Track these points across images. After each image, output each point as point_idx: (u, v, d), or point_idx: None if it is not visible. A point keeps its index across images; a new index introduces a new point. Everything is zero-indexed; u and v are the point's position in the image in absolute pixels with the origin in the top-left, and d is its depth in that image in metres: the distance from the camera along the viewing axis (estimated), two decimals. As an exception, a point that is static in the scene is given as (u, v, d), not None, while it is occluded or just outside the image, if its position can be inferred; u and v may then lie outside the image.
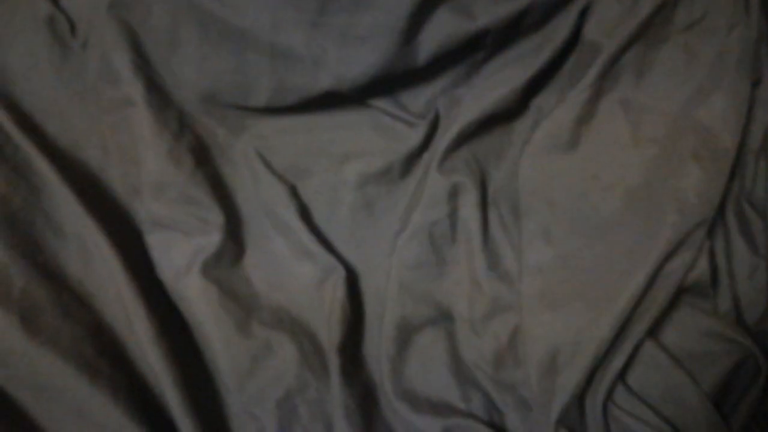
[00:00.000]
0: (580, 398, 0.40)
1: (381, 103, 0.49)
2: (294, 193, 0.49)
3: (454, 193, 0.46)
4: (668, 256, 0.41)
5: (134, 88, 0.46)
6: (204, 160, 0.48)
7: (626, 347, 0.40)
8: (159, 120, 0.46)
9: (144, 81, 0.46)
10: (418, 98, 0.49)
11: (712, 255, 0.44)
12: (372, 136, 0.49)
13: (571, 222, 0.43)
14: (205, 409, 0.42)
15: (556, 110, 0.45)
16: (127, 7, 0.47)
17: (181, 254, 0.45)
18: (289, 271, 0.47)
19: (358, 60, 0.45)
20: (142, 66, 0.47)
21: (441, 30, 0.46)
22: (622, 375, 0.40)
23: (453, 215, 0.46)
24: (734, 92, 0.44)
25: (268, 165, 0.49)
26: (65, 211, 0.48)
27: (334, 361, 0.43)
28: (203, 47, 0.46)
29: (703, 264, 0.42)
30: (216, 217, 0.45)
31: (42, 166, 0.47)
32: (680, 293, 0.42)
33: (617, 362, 0.39)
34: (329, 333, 0.44)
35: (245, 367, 0.42)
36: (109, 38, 0.47)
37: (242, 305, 0.44)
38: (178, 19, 0.46)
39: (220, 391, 0.43)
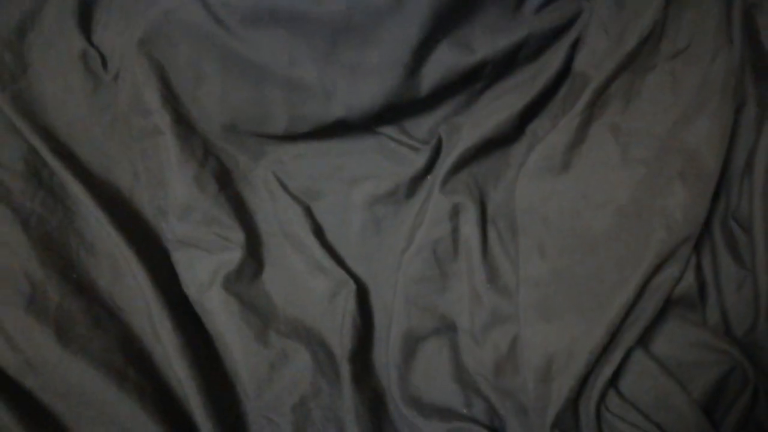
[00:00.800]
0: (574, 404, 0.42)
1: (387, 130, 0.53)
2: (308, 213, 0.52)
3: (455, 213, 0.49)
4: (656, 270, 0.43)
5: (163, 119, 0.49)
6: (226, 184, 0.51)
7: (617, 356, 0.42)
8: (185, 148, 0.49)
9: (171, 113, 0.50)
10: (421, 125, 0.53)
11: (699, 269, 0.46)
12: (379, 160, 0.53)
13: (565, 238, 0.46)
14: (226, 413, 0.45)
15: (550, 135, 0.48)
16: (155, 44, 0.51)
17: (204, 270, 0.48)
18: (304, 285, 0.50)
19: (366, 92, 0.49)
20: (169, 99, 0.51)
21: (442, 63, 0.49)
22: (614, 382, 0.43)
23: (455, 233, 0.49)
24: (718, 116, 0.47)
25: (284, 187, 0.53)
26: (97, 232, 0.51)
27: (345, 369, 0.46)
28: (225, 82, 0.50)
29: (690, 278, 0.45)
30: (237, 235, 0.49)
31: (76, 189, 0.50)
32: (669, 306, 0.45)
33: (608, 370, 0.42)
34: (341, 342, 0.47)
35: (263, 375, 0.45)
36: (140, 73, 0.51)
37: (261, 317, 0.47)
38: (202, 55, 0.50)
39: (239, 397, 0.46)
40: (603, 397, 0.42)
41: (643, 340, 0.44)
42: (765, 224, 0.45)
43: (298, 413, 0.45)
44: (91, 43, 0.55)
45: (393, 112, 0.51)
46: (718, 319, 0.46)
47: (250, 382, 0.45)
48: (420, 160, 0.51)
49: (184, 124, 0.51)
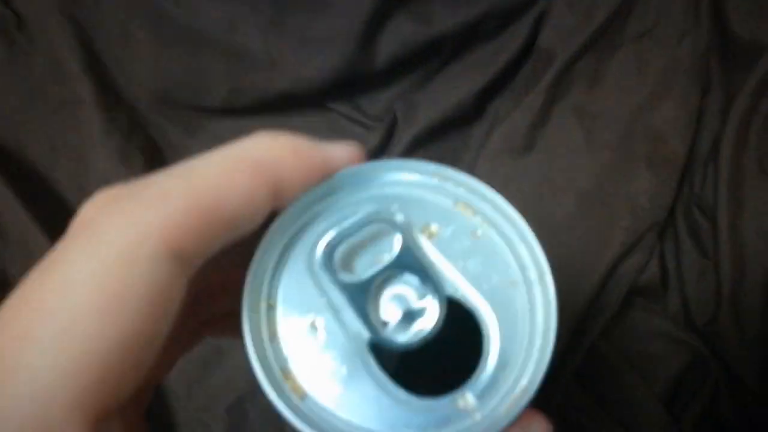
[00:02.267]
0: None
1: (338, 106, 0.49)
2: (250, 195, 0.48)
3: (411, 196, 0.46)
4: (621, 258, 0.41)
5: (83, 87, 0.45)
6: (155, 161, 0.46)
7: (581, 347, 0.40)
8: (109, 119, 0.45)
9: (94, 79, 0.45)
10: (375, 102, 0.49)
11: (662, 258, 0.45)
12: (330, 138, 0.49)
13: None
14: (154, 417, 0.40)
15: (512, 115, 0.45)
16: (77, 3, 0.46)
17: (129, 257, 0.43)
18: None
19: (315, 63, 0.45)
20: (92, 64, 0.46)
21: (398, 35, 0.46)
22: (576, 375, 0.40)
23: (410, 218, 0.46)
24: (684, 100, 0.46)
25: (223, 167, 0.48)
26: (9, 215, 0.46)
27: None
28: (157, 46, 0.46)
29: (654, 266, 0.43)
30: (167, 218, 0.44)
31: (-14, 166, 0.46)
32: (632, 296, 0.43)
33: (573, 362, 0.40)
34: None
35: (194, 374, 0.41)
36: (58, 35, 0.46)
37: (192, 309, 0.43)
38: (131, 17, 0.45)
39: (168, 399, 0.42)
40: (566, 390, 0.40)
41: (606, 331, 0.41)
42: (729, 213, 0.44)
43: (234, 415, 0.41)
44: (4, 2, 0.49)
45: (344, 87, 0.48)
46: (679, 308, 0.45)
47: (180, 382, 0.41)
48: (373, 139, 0.48)
49: (108, 92, 0.46)
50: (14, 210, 0.45)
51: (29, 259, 0.45)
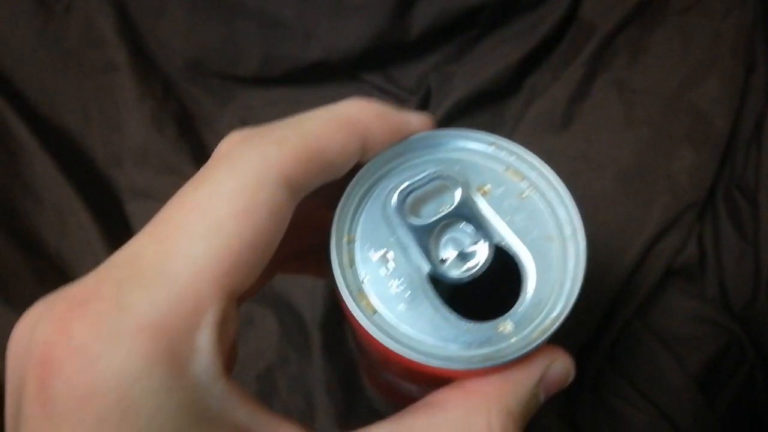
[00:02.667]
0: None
1: (371, 77, 0.48)
2: (280, 166, 0.48)
3: (443, 170, 0.45)
4: (658, 237, 0.40)
5: (118, 53, 0.45)
6: (188, 129, 0.46)
7: (615, 326, 0.39)
8: (143, 85, 0.45)
9: (129, 45, 0.45)
10: (409, 73, 0.48)
11: (700, 240, 0.44)
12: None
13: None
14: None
15: (550, 89, 0.44)
16: (113, -30, 0.46)
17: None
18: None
19: (350, 31, 0.45)
20: (126, 30, 0.45)
21: (434, 5, 0.45)
22: (609, 355, 0.40)
23: (442, 193, 0.45)
24: (728, 76, 0.44)
25: (254, 137, 0.48)
26: (44, 179, 0.46)
27: (316, 337, 0.42)
28: (191, 13, 0.45)
29: (692, 247, 0.42)
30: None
31: (21, 132, 0.46)
32: (668, 276, 0.42)
33: (606, 341, 0.39)
34: (312, 309, 0.43)
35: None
36: (94, 1, 0.45)
37: (224, 277, 0.43)
38: (166, -18, 0.45)
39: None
40: (599, 370, 0.39)
41: (641, 312, 0.41)
42: (772, 195, 0.43)
43: (263, 383, 0.41)
44: (41, -31, 0.49)
45: (378, 57, 0.47)
46: (716, 291, 0.44)
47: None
48: (406, 112, 0.47)
49: (142, 58, 0.45)
50: (50, 174, 0.45)
51: (64, 222, 0.46)
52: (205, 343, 0.16)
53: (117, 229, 0.45)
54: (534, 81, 0.46)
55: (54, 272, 0.45)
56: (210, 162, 0.18)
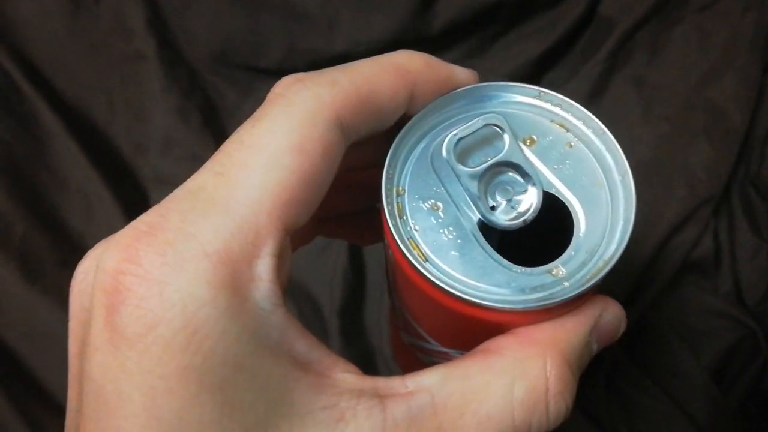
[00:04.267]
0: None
1: (393, 70, 0.49)
2: (300, 157, 0.49)
3: (462, 164, 0.46)
4: (675, 230, 0.41)
5: (146, 43, 0.46)
6: (212, 120, 0.47)
7: (631, 318, 0.39)
8: (169, 76, 0.45)
9: (156, 36, 0.46)
10: (430, 68, 0.49)
11: (716, 235, 0.44)
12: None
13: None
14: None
15: (568, 85, 0.45)
16: (142, -39, 0.47)
17: (185, 211, 0.44)
18: (294, 234, 0.46)
19: (373, 25, 0.45)
20: (155, 22, 0.46)
21: (457, 1, 0.46)
22: (625, 345, 0.40)
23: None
24: (746, 74, 0.44)
25: (275, 129, 0.49)
26: (70, 166, 0.47)
27: (333, 324, 0.42)
28: (217, 5, 0.46)
29: (707, 242, 0.42)
30: (222, 176, 0.45)
31: (48, 119, 0.47)
32: (683, 270, 0.42)
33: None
34: (330, 297, 0.44)
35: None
36: (123, -9, 0.46)
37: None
38: (193, -26, 0.46)
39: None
40: (615, 360, 0.39)
41: (657, 304, 0.41)
42: (787, 192, 0.43)
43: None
44: (72, -39, 0.50)
45: (400, 51, 0.47)
46: (730, 287, 0.44)
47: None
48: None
49: (169, 49, 0.46)
50: (76, 161, 0.46)
51: (88, 209, 0.47)
52: (264, 271, 0.16)
53: (141, 214, 0.46)
54: (553, 77, 0.47)
55: (77, 256, 0.46)
56: (265, 102, 0.19)
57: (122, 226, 0.47)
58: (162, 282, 0.15)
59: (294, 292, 0.45)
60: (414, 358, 0.27)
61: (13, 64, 0.48)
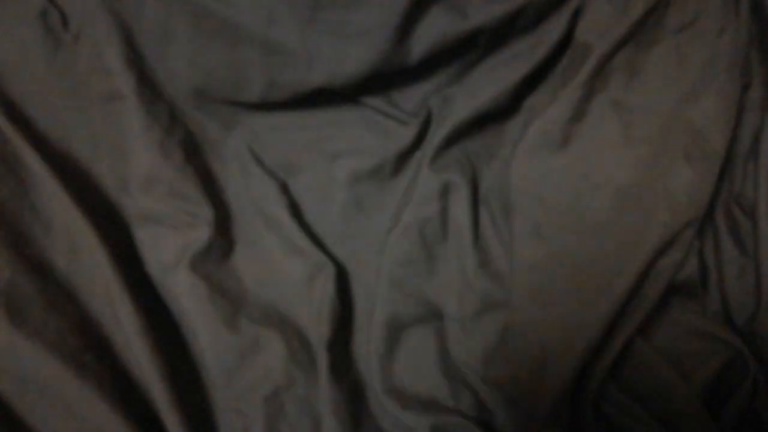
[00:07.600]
0: (570, 396, 0.40)
1: (373, 101, 0.49)
2: (284, 189, 0.48)
3: (445, 191, 0.46)
4: (658, 255, 0.41)
5: (125, 81, 0.45)
6: (194, 155, 0.47)
7: (616, 345, 0.39)
8: (150, 113, 0.45)
9: (135, 74, 0.46)
10: (410, 97, 0.49)
11: (701, 255, 0.44)
12: (364, 133, 0.49)
13: (562, 220, 0.43)
14: (192, 404, 0.41)
15: (549, 109, 0.45)
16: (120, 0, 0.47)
17: (169, 249, 0.44)
18: (279, 267, 0.46)
19: (352, 56, 0.45)
20: (134, 59, 0.46)
21: (435, 29, 0.46)
22: (612, 373, 0.40)
23: (444, 213, 0.46)
24: (725, 94, 0.45)
25: (259, 161, 0.49)
26: (53, 205, 0.47)
27: (322, 358, 0.42)
28: (196, 41, 0.46)
29: (692, 264, 0.43)
30: (205, 212, 0.45)
31: (31, 159, 0.47)
32: (670, 293, 0.42)
33: (607, 360, 0.39)
34: (318, 330, 0.44)
35: (233, 363, 0.42)
36: (101, 31, 0.46)
37: (230, 301, 0.44)
38: (172, 12, 0.46)
39: (206, 386, 0.42)
40: (601, 388, 0.39)
41: (643, 329, 0.41)
42: (770, 210, 0.43)
43: (271, 405, 0.42)
44: (51, 0, 0.50)
45: (380, 81, 0.48)
46: (718, 306, 0.45)
47: (218, 371, 0.42)
48: (408, 135, 0.48)
49: (148, 86, 0.46)
50: (59, 200, 0.46)
51: (74, 247, 0.47)
52: None
53: (126, 253, 0.46)
54: (533, 102, 0.47)
55: (64, 296, 0.46)
56: None
57: (107, 265, 0.47)
58: None
59: (282, 326, 0.45)
60: None
61: (-6, 105, 0.48)
